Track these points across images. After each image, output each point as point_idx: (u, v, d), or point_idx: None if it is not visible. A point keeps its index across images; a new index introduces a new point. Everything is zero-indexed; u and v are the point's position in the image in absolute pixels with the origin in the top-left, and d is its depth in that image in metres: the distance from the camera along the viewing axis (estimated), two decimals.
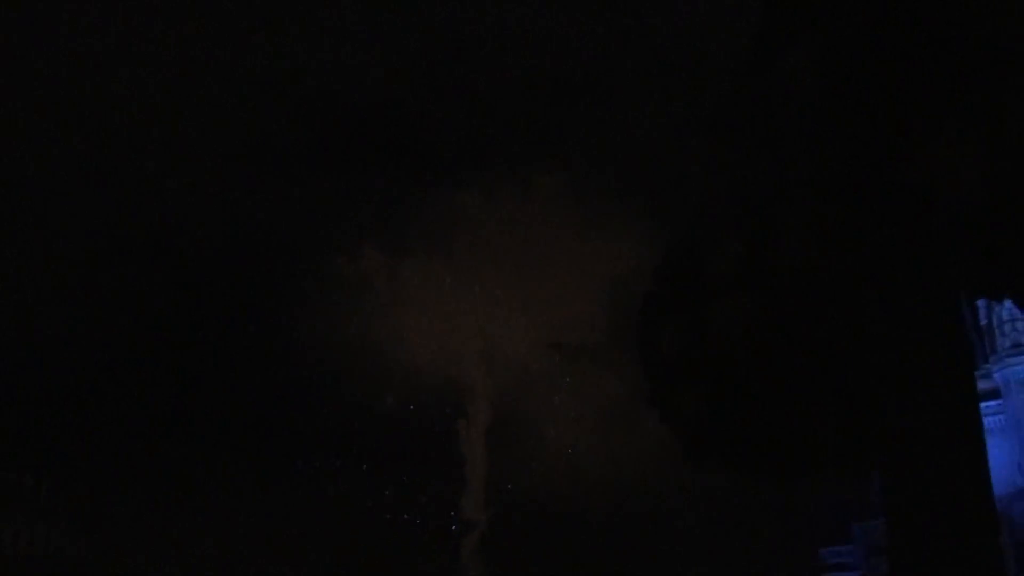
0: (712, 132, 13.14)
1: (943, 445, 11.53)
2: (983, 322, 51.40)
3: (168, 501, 74.29)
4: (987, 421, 46.66)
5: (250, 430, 74.08)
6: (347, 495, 72.86)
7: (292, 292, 71.32)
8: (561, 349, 73.88)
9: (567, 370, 73.85)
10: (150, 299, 74.64)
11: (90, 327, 74.22)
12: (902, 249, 11.29)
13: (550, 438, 72.43)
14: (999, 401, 50.41)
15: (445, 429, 73.58)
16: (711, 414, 11.96)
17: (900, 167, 10.41)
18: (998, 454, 50.29)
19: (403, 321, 71.20)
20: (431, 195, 70.02)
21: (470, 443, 75.04)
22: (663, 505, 67.30)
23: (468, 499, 75.57)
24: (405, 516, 72.91)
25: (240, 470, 74.11)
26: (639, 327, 12.56)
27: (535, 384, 73.78)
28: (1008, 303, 51.47)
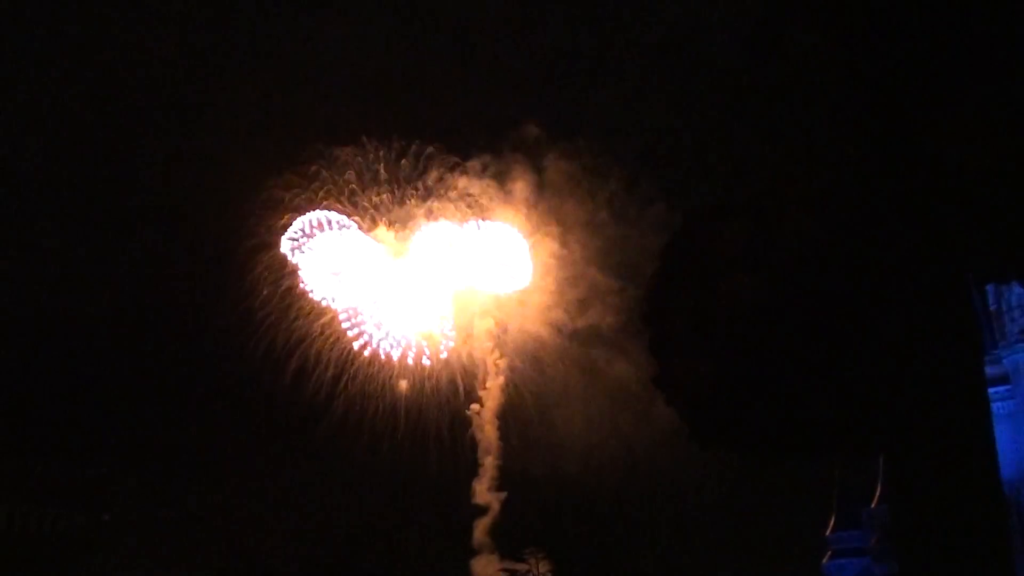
0: (722, 113, 12.94)
1: (951, 429, 11.33)
2: (992, 307, 50.98)
3: (177, 484, 74.27)
4: (996, 407, 46.38)
5: (260, 413, 73.97)
6: (359, 479, 72.75)
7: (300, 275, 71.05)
8: (574, 333, 73.85)
9: (580, 354, 73.80)
10: (160, 282, 74.36)
11: (96, 309, 74.05)
12: (911, 230, 11.09)
13: (562, 422, 72.29)
14: (1008, 387, 50.04)
15: (458, 413, 73.58)
16: (717, 394, 11.78)
17: (910, 142, 10.21)
18: (1007, 439, 50.01)
19: (415, 304, 71.10)
20: (444, 178, 69.61)
21: (482, 427, 75.01)
22: (673, 490, 67.11)
23: (481, 483, 75.54)
24: (417, 500, 72.86)
25: (249, 454, 74.03)
26: (646, 306, 12.39)
27: (548, 368, 73.71)
28: (1017, 288, 51.19)
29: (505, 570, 73.79)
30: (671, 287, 12.50)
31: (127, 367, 73.09)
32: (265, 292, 70.77)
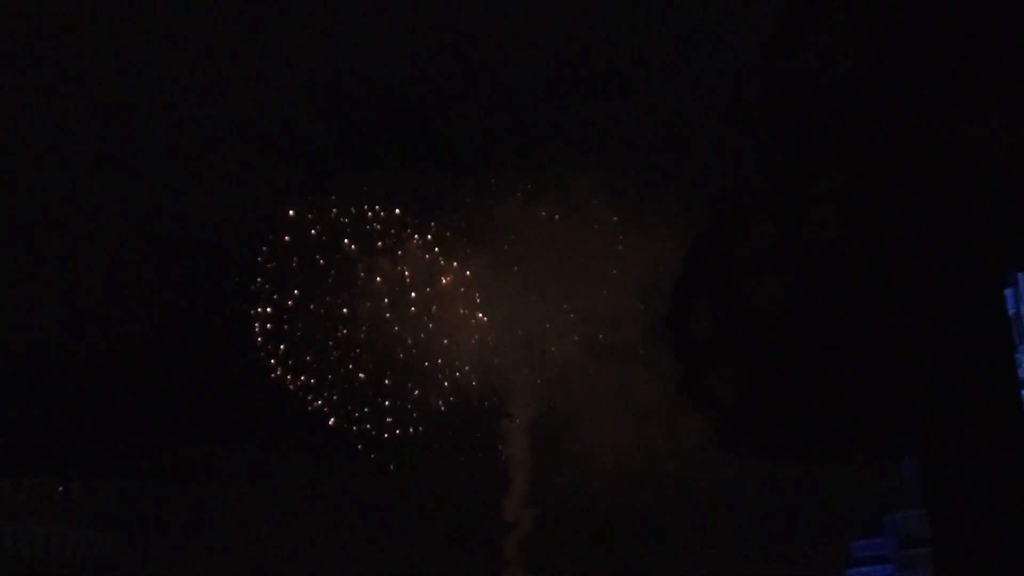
0: (740, 110, 12.34)
1: (986, 430, 10.72)
2: (1011, 311, 50.36)
3: (200, 500, 74.03)
4: None
5: (286, 430, 73.71)
6: (387, 494, 72.30)
7: (327, 290, 70.73)
8: (601, 347, 73.28)
9: (607, 368, 73.23)
10: (178, 299, 74.33)
11: (115, 327, 74.08)
12: (942, 224, 10.47)
13: (591, 438, 71.79)
14: None
15: (486, 428, 73.04)
16: (744, 398, 11.15)
17: (941, 131, 9.57)
18: None
19: (443, 320, 70.66)
20: (470, 196, 69.32)
21: (511, 442, 74.44)
22: (699, 502, 66.44)
23: (510, 498, 74.92)
24: (446, 515, 72.32)
25: (275, 470, 73.74)
26: (669, 310, 11.76)
27: (575, 382, 73.24)
28: None
29: None
30: (696, 290, 11.88)
31: (149, 381, 73.04)
32: (290, 302, 70.51)
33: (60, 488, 70.73)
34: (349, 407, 72.43)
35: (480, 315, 73.38)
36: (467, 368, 74.21)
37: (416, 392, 74.25)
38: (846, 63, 10.94)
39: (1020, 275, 45.30)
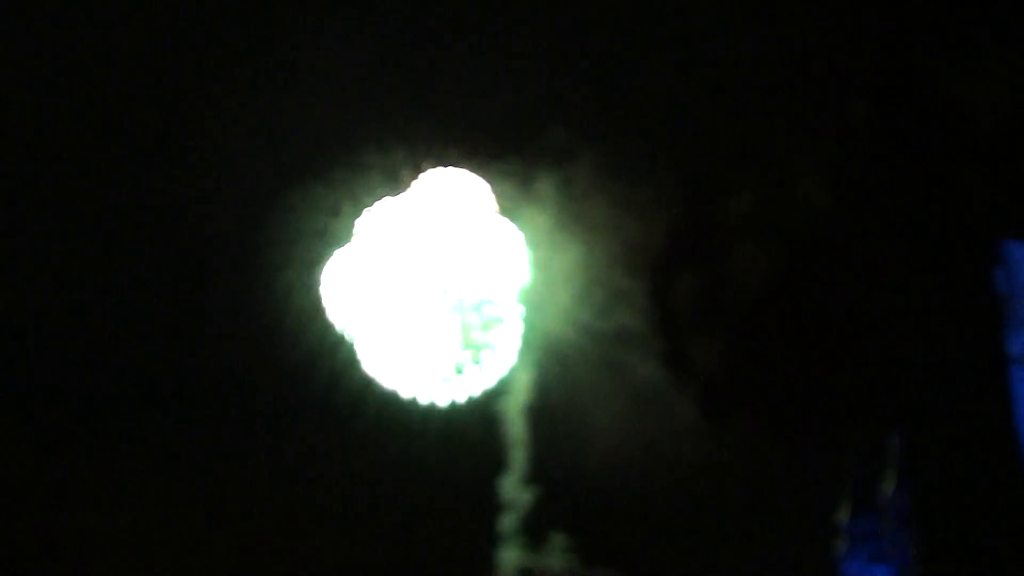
0: (723, 83, 12.10)
1: (972, 407, 10.53)
2: (1001, 288, 50.20)
3: (183, 480, 74.30)
4: None
5: (275, 411, 73.65)
6: (382, 475, 72.27)
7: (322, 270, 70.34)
8: (599, 333, 73.24)
9: (605, 354, 73.16)
10: (163, 287, 74.22)
11: (93, 307, 74.06)
12: (930, 194, 10.25)
13: (588, 420, 71.85)
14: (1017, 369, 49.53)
15: (484, 409, 72.98)
16: (728, 370, 10.96)
17: (925, 102, 9.34)
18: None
19: (443, 304, 70.53)
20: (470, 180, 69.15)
21: (510, 422, 74.49)
22: (689, 482, 66.56)
23: (508, 479, 74.82)
24: (443, 495, 72.27)
25: (265, 450, 73.75)
26: (652, 281, 11.55)
27: (574, 367, 73.38)
28: None
29: (523, 571, 73.10)
30: (679, 263, 11.67)
31: (134, 362, 72.93)
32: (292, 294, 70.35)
33: (38, 467, 70.80)
34: (341, 388, 72.37)
35: (479, 298, 73.41)
36: (464, 349, 74.24)
37: (415, 372, 74.22)
38: (832, 31, 10.69)
39: (1009, 252, 44.96)
